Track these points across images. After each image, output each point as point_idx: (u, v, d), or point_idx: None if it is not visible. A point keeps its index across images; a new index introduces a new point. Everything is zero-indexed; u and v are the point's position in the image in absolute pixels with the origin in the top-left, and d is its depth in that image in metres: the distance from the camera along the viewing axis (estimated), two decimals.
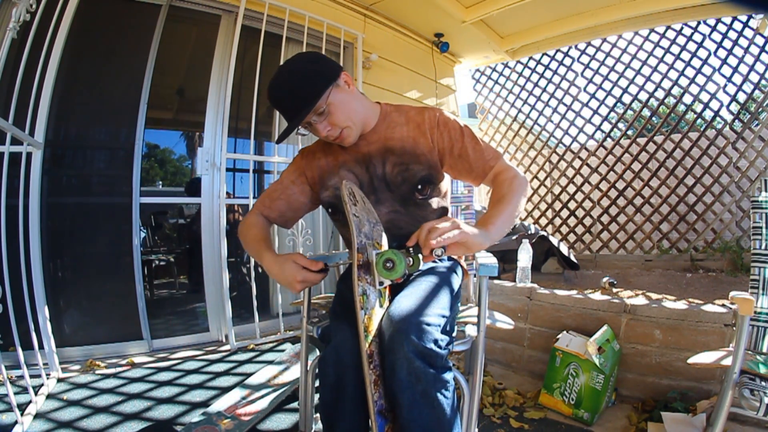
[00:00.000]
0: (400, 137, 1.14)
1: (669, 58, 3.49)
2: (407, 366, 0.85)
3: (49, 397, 1.68)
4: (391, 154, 1.13)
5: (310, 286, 1.07)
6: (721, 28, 3.23)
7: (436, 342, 0.87)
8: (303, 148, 1.29)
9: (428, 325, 0.88)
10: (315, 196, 1.24)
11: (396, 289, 1.04)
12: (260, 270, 2.98)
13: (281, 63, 1.16)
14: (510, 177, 1.07)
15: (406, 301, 0.95)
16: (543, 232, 3.07)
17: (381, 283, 0.92)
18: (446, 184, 1.22)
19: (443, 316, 0.94)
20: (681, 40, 3.41)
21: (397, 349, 0.85)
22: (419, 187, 1.13)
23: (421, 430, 0.84)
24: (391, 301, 1.00)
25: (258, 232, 1.17)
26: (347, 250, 1.34)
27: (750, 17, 3.10)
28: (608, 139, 3.87)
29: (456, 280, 1.17)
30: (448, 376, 0.89)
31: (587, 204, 3.85)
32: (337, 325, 0.97)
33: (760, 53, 3.08)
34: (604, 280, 2.45)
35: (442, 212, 1.20)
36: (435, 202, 1.18)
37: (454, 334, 1.02)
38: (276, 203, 1.23)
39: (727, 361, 1.14)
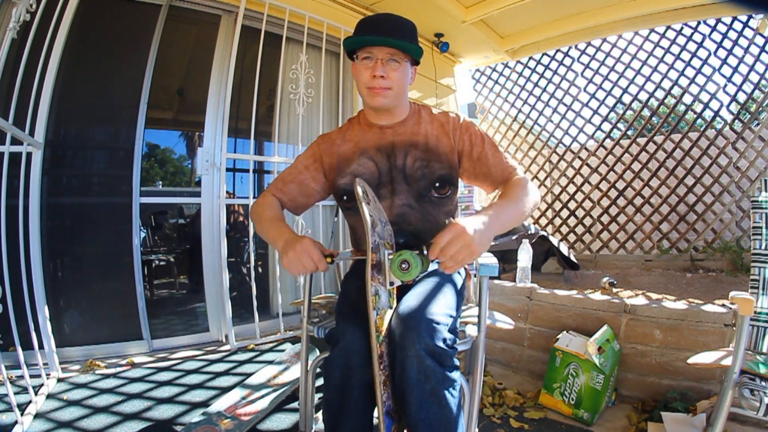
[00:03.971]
0: (424, 134, 1.16)
1: (669, 58, 3.48)
2: (417, 364, 0.85)
3: (49, 397, 1.68)
4: (414, 148, 1.14)
5: (309, 272, 1.00)
6: (721, 28, 3.23)
7: (445, 341, 0.88)
8: (321, 135, 1.27)
9: (438, 323, 0.89)
10: (327, 184, 1.22)
11: (401, 289, 1.04)
12: (260, 270, 2.98)
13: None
14: (525, 183, 1.07)
15: (416, 300, 0.95)
16: (543, 232, 3.07)
17: (391, 284, 0.92)
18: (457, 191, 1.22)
19: (451, 316, 0.95)
20: (681, 40, 3.41)
21: (408, 346, 0.86)
22: (437, 185, 1.14)
23: (429, 428, 0.85)
24: (398, 300, 1.00)
25: (274, 212, 1.14)
26: (349, 249, 1.34)
27: (750, 17, 3.10)
28: (608, 139, 3.86)
29: (460, 281, 1.18)
30: (455, 375, 0.90)
31: (587, 204, 3.84)
32: (344, 327, 0.95)
33: (760, 53, 3.08)
34: (604, 280, 2.45)
35: (450, 214, 1.21)
36: (448, 204, 1.18)
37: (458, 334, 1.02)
38: (288, 186, 1.21)
39: (727, 361, 1.14)
